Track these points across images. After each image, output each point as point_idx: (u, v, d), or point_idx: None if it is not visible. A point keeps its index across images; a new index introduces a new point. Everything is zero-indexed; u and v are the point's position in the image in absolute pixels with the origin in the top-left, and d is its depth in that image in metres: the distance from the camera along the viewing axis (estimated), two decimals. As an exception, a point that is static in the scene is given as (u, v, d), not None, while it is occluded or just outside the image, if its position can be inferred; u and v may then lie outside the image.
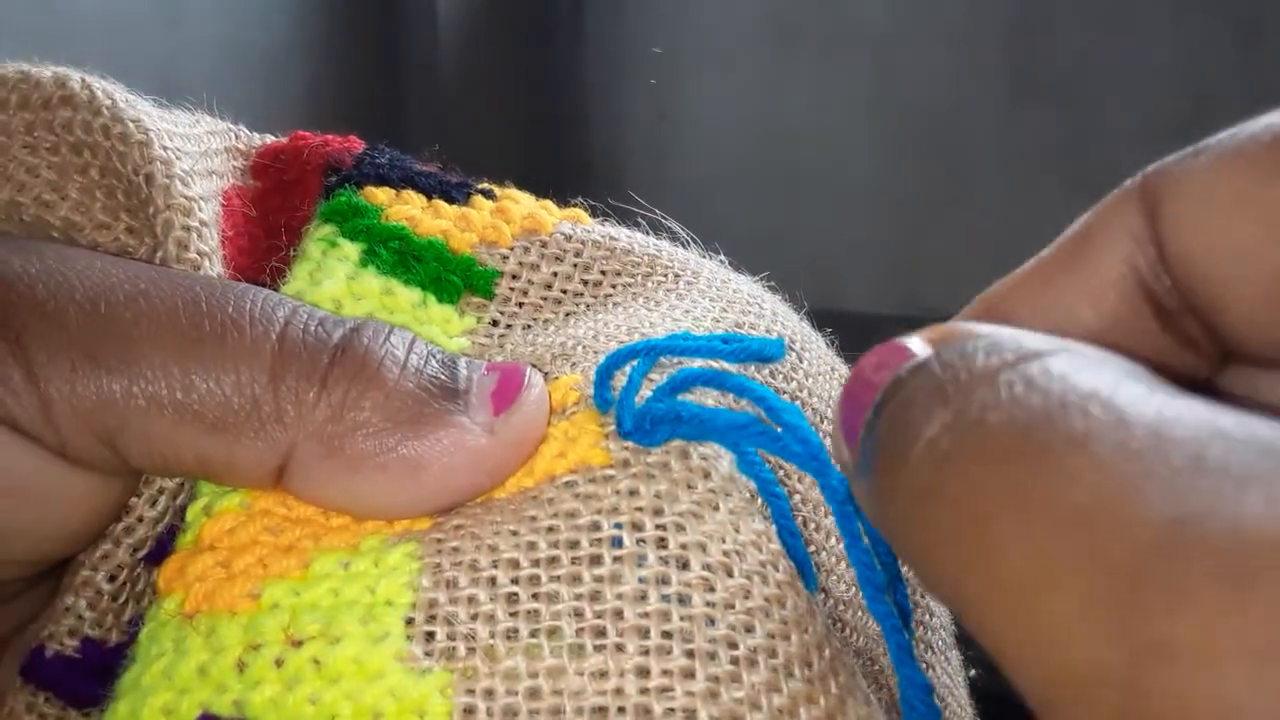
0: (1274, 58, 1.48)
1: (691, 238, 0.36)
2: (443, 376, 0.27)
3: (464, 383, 0.27)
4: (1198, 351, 0.24)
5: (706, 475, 0.26)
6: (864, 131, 1.46)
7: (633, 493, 0.26)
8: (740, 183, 1.28)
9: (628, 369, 0.28)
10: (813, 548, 0.32)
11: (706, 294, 0.34)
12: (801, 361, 0.34)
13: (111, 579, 0.28)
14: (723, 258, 0.37)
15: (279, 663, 0.24)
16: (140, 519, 0.28)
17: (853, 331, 0.38)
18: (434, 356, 0.28)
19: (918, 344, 0.20)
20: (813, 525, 0.32)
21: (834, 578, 0.32)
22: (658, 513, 0.26)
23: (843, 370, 0.37)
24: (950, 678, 0.38)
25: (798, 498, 0.32)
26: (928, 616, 0.37)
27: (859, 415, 0.21)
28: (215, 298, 0.27)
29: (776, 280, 0.37)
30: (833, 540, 0.32)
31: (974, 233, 1.56)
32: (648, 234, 0.37)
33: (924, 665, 0.37)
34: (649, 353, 0.28)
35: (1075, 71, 1.55)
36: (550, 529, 0.26)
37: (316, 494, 0.27)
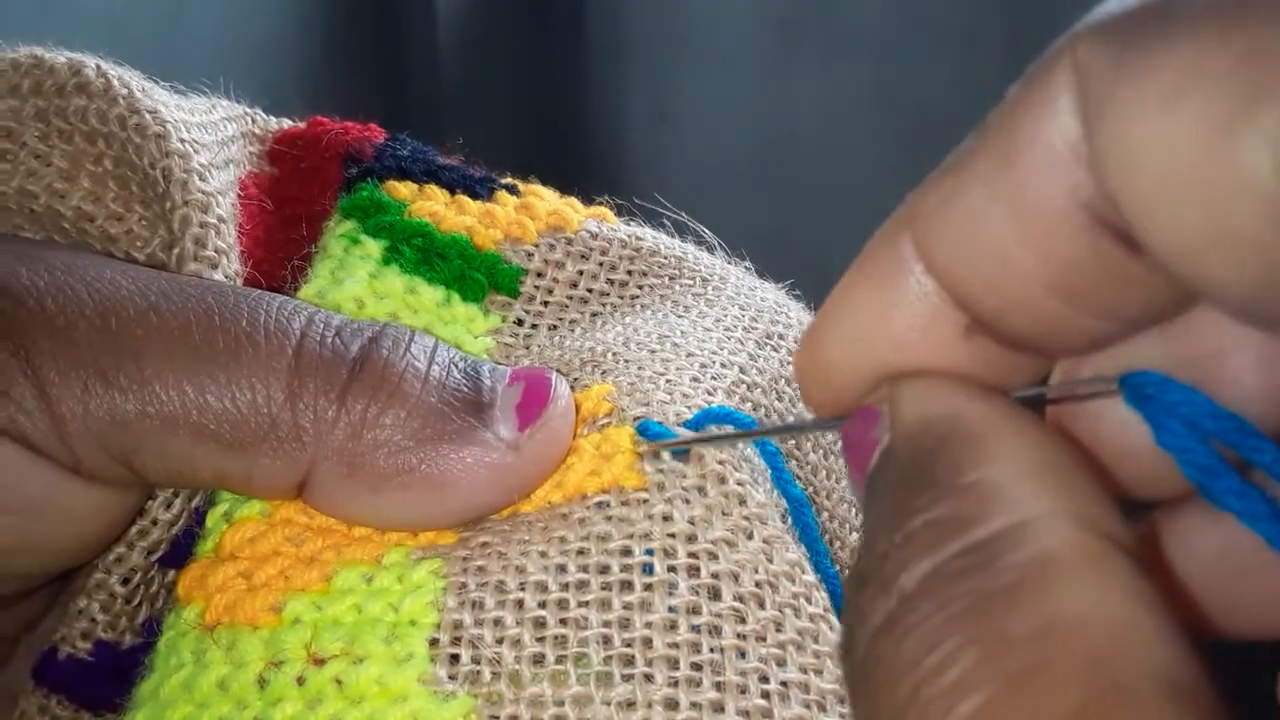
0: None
1: (719, 243, 0.36)
2: (465, 389, 0.26)
3: (488, 395, 0.26)
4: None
5: (742, 501, 0.26)
6: (864, 131, 1.46)
7: (666, 518, 0.25)
8: (740, 182, 1.27)
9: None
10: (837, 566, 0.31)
11: (735, 301, 0.33)
12: None
13: (125, 581, 0.27)
14: (725, 257, 0.36)
15: (301, 681, 0.24)
16: (155, 521, 0.27)
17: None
18: (456, 366, 0.27)
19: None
20: (838, 544, 0.32)
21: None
22: (691, 539, 0.25)
23: None
24: None
25: (825, 514, 0.32)
26: None
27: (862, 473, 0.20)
28: (229, 310, 0.26)
29: (776, 280, 0.36)
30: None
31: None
32: (672, 235, 0.36)
33: None
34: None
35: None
36: (580, 552, 0.25)
37: (337, 510, 0.26)
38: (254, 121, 0.34)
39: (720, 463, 0.26)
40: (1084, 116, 0.16)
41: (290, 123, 0.35)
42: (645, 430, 0.27)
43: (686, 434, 0.27)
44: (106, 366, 0.25)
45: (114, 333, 0.25)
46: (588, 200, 0.35)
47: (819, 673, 0.24)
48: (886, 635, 0.16)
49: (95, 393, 0.25)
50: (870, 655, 0.16)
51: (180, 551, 0.27)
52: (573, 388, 0.28)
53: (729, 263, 0.36)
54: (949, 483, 0.17)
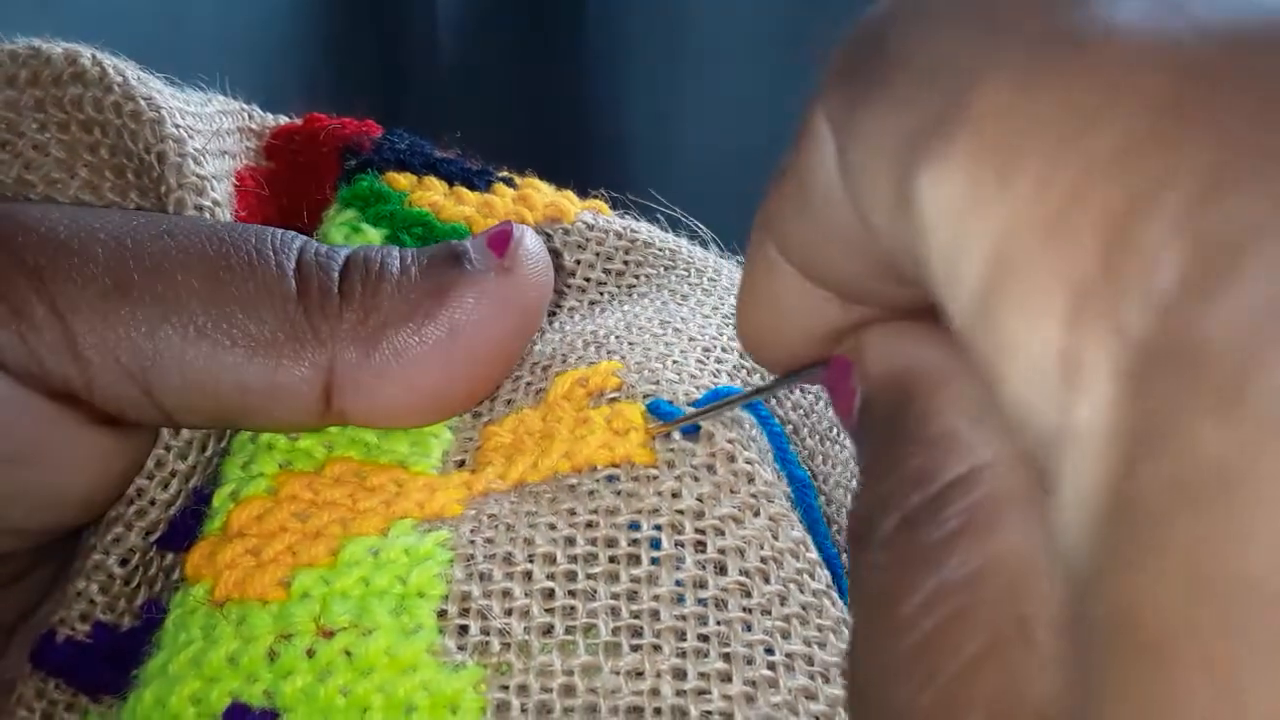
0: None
1: (714, 238, 0.36)
2: (440, 252, 0.28)
3: (459, 247, 0.28)
4: None
5: (750, 479, 0.26)
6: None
7: (675, 494, 0.26)
8: (740, 183, 1.27)
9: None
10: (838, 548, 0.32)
11: (732, 291, 0.34)
12: None
13: (123, 562, 0.27)
14: (719, 253, 0.36)
15: (310, 653, 0.24)
16: (152, 502, 0.27)
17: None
18: (423, 251, 0.28)
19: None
20: (835, 527, 0.32)
21: None
22: (698, 515, 0.25)
23: None
24: None
25: (822, 499, 0.32)
26: None
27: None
28: (235, 233, 0.27)
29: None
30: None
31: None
32: (668, 231, 0.36)
33: None
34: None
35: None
36: (589, 524, 0.25)
37: (371, 397, 0.27)
38: (251, 117, 0.34)
39: (730, 441, 0.26)
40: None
41: (287, 119, 0.35)
42: (656, 409, 0.27)
43: (693, 412, 0.27)
44: (126, 279, 0.25)
45: (131, 250, 0.26)
46: (584, 196, 0.36)
47: (822, 645, 0.24)
48: (858, 586, 0.16)
49: (115, 303, 0.25)
50: (852, 611, 0.17)
51: (178, 533, 0.28)
52: (577, 366, 0.29)
53: (722, 258, 0.36)
54: (915, 434, 0.17)
